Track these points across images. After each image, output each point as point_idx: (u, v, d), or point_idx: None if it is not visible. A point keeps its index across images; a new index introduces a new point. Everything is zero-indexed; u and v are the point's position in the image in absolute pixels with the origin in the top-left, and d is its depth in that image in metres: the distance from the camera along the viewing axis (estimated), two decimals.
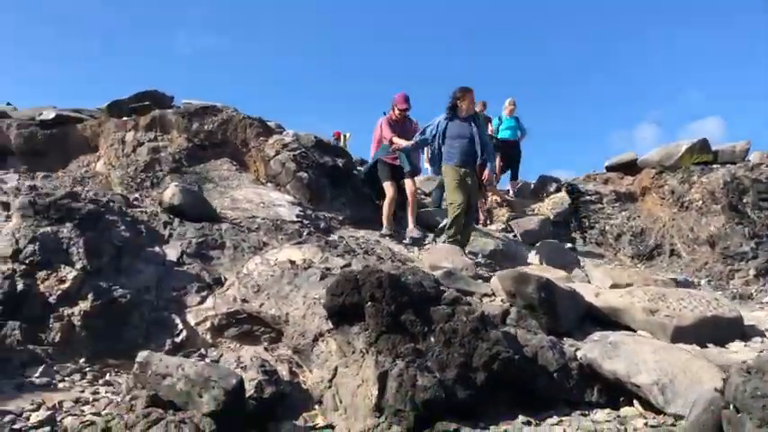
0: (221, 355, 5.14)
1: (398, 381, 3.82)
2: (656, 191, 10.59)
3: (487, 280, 6.21)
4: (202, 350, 5.14)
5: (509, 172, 12.16)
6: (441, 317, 4.16)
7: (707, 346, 4.96)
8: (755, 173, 9.51)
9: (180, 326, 5.28)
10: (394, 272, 4.33)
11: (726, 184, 9.51)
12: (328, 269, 5.33)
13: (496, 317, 4.58)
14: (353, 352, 4.21)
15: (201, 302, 5.53)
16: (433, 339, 4.04)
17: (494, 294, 5.44)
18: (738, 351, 4.89)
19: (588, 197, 10.74)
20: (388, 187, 8.33)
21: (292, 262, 5.59)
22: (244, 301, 5.34)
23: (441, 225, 8.47)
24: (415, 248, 7.86)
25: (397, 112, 8.44)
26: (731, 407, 2.79)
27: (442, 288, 4.49)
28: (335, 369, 4.32)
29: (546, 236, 9.73)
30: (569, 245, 9.83)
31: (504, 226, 10.26)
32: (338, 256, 5.82)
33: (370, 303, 4.12)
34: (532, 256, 8.49)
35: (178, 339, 5.19)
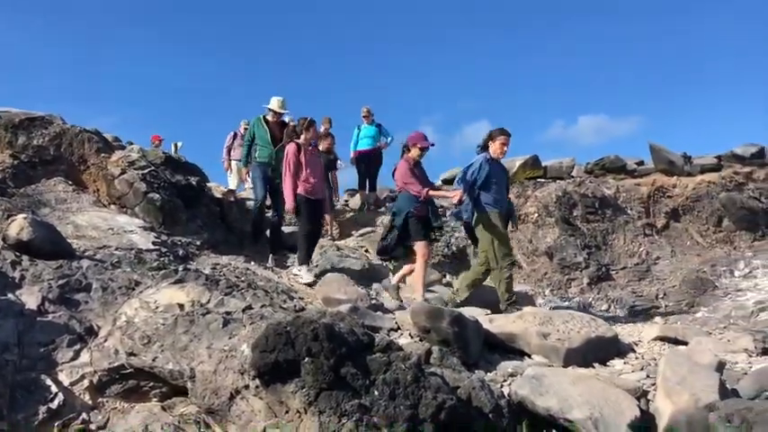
0: (107, 420, 4.50)
1: None
2: None
3: (377, 309, 6.14)
4: (84, 415, 4.45)
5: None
6: (379, 366, 3.97)
7: (593, 366, 5.32)
8: (582, 188, 10.45)
9: (53, 388, 4.52)
10: (328, 321, 4.06)
11: (558, 198, 10.35)
12: (228, 313, 4.88)
13: (421, 357, 4.49)
14: (287, 412, 3.87)
15: (75, 358, 4.79)
16: (376, 393, 3.84)
17: (399, 328, 5.37)
18: (622, 369, 5.31)
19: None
20: (423, 247, 6.96)
21: (180, 306, 5.05)
22: (131, 354, 4.70)
23: (507, 300, 6.80)
24: (283, 272, 7.54)
25: (417, 152, 7.06)
26: None
27: (370, 333, 4.30)
28: (263, 431, 3.96)
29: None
30: None
31: (354, 242, 10.23)
32: (228, 294, 5.37)
33: (307, 359, 3.81)
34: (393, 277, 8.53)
35: (53, 405, 4.43)
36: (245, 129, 12.28)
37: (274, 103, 8.62)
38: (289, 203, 7.22)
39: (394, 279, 7.28)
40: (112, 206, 7.92)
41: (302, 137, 7.41)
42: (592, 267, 9.60)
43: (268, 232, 8.51)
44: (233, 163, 12.23)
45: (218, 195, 9.22)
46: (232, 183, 12.10)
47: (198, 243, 7.79)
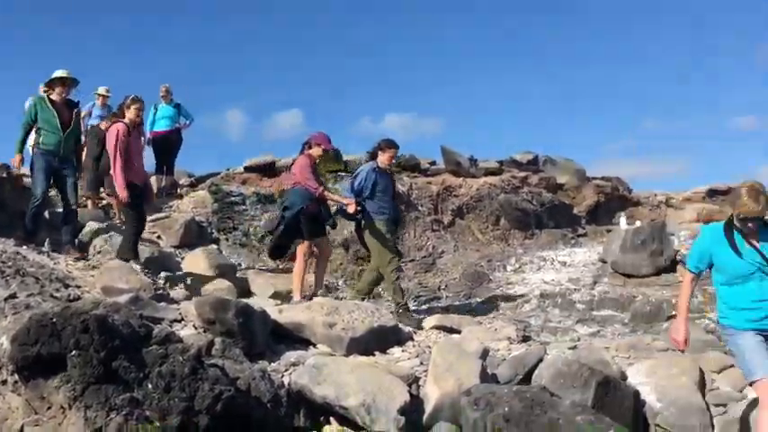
0: None
1: None
2: None
3: (162, 299, 5.95)
4: None
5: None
6: (155, 359, 3.88)
7: (374, 354, 5.61)
8: None
9: None
10: (100, 312, 3.87)
11: None
12: None
13: (202, 348, 4.43)
14: (49, 408, 3.65)
15: None
16: (150, 386, 3.74)
17: (183, 319, 5.24)
18: (400, 357, 5.65)
19: (232, 198, 10.91)
20: (307, 247, 7.01)
21: None
22: None
23: (399, 306, 7.08)
24: (61, 258, 7.01)
25: (320, 152, 7.19)
26: None
27: (149, 324, 4.17)
28: (21, 429, 3.69)
29: (192, 238, 9.62)
30: (214, 246, 9.87)
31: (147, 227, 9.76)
32: None
33: (75, 352, 3.61)
34: (187, 263, 8.31)
35: None
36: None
37: (60, 74, 7.55)
38: (123, 194, 6.69)
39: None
40: None
41: (128, 116, 6.94)
42: None
43: (66, 229, 7.48)
44: None
45: None
46: None
47: None
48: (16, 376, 3.73)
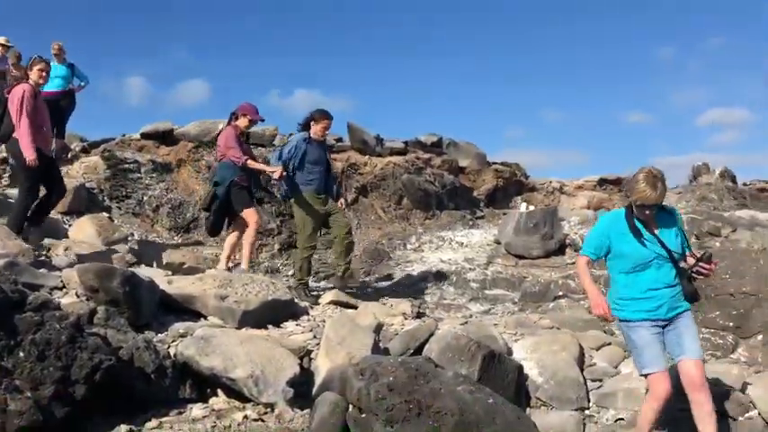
0: None
1: None
2: (193, 164, 10.99)
3: (43, 265, 5.64)
4: None
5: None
6: (28, 326, 3.68)
7: (267, 328, 5.56)
8: None
9: None
10: None
11: None
12: None
13: (83, 316, 4.24)
14: None
15: None
16: (22, 354, 3.55)
17: (65, 287, 4.99)
18: (293, 331, 5.63)
19: (126, 165, 10.46)
20: (253, 214, 6.93)
21: None
22: None
23: (298, 281, 7.10)
24: None
25: (246, 122, 7.13)
26: (353, 408, 3.30)
27: (24, 291, 3.93)
28: None
29: (81, 204, 9.20)
30: (105, 214, 9.45)
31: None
32: None
33: None
34: (75, 230, 7.92)
35: None
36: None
37: None
38: (30, 155, 6.13)
39: (222, 264, 7.09)
40: None
41: (32, 77, 6.50)
42: (284, 234, 9.96)
43: None
44: None
45: None
46: None
47: None
48: None
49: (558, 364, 5.19)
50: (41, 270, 5.12)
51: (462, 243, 10.23)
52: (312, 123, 7.09)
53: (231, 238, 7.25)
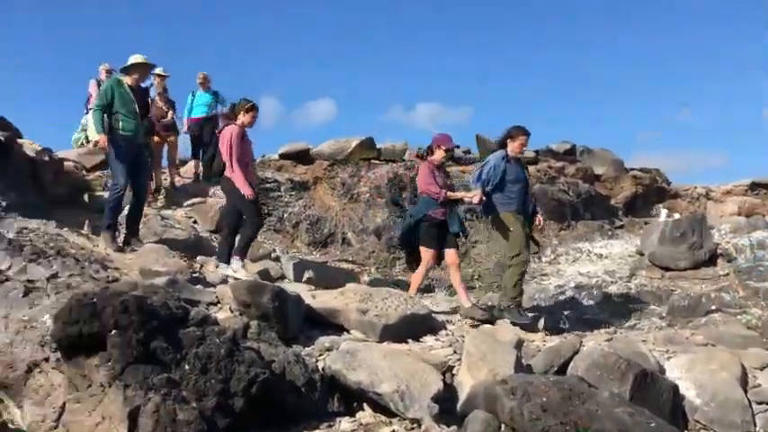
0: None
1: (155, 417, 3.50)
2: (328, 182, 11.34)
3: (198, 282, 6.01)
4: None
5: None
6: (192, 340, 3.91)
7: (407, 342, 5.60)
8: (412, 172, 10.83)
9: None
10: (138, 293, 3.91)
11: (389, 180, 10.67)
12: (31, 282, 4.54)
13: (238, 331, 4.47)
14: (90, 386, 3.71)
15: None
16: (187, 367, 3.78)
17: (219, 302, 5.29)
18: (433, 345, 5.62)
19: (268, 184, 10.97)
20: (426, 253, 6.70)
21: None
22: None
23: (510, 299, 6.59)
24: (102, 242, 7.13)
25: (442, 154, 6.85)
26: (505, 427, 3.25)
27: (186, 306, 4.21)
28: (63, 406, 3.76)
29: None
30: None
31: (182, 213, 9.87)
32: (32, 261, 4.98)
33: (114, 332, 3.66)
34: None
35: None
36: (108, 73, 11.43)
37: (135, 58, 7.11)
38: (248, 191, 6.53)
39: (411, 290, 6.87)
40: None
41: (243, 119, 6.78)
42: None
43: (133, 219, 7.24)
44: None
45: (31, 153, 8.45)
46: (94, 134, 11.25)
47: (3, 204, 7.12)
48: (59, 354, 3.79)
49: (717, 384, 4.84)
50: (197, 286, 5.45)
51: (601, 255, 9.84)
52: (509, 141, 6.77)
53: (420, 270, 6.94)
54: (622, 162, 13.21)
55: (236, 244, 6.80)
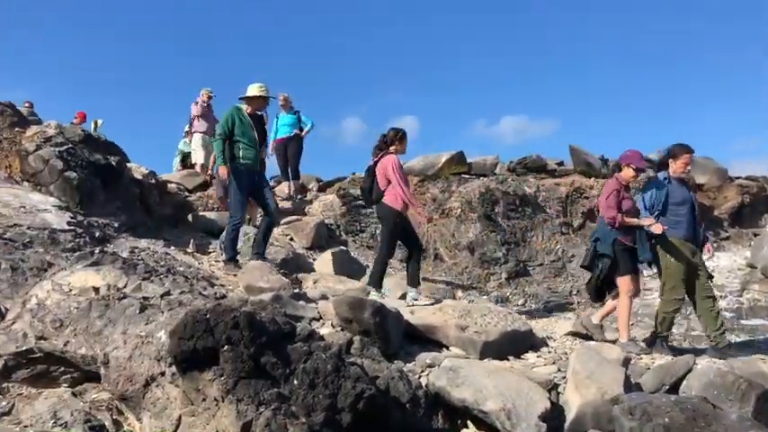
0: (12, 406, 4.33)
1: (266, 431, 3.58)
2: (419, 197, 11.36)
3: (300, 298, 6.12)
4: None
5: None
6: (299, 355, 3.98)
7: (508, 359, 5.50)
8: (504, 185, 10.72)
9: None
10: (248, 309, 4.03)
11: (481, 194, 10.57)
12: (146, 299, 4.76)
13: (342, 346, 4.52)
14: (204, 399, 3.84)
15: None
16: (296, 382, 3.85)
17: (321, 318, 5.38)
18: (535, 363, 5.50)
19: (359, 201, 11.09)
20: (627, 282, 6.14)
21: (96, 289, 4.89)
22: (40, 338, 4.54)
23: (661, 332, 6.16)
24: (204, 258, 7.42)
25: (631, 173, 6.28)
26: None
27: (292, 322, 4.30)
28: (179, 419, 3.91)
29: (322, 240, 9.89)
30: (343, 248, 10.09)
31: (278, 230, 10.12)
32: (146, 279, 5.22)
33: (227, 347, 3.78)
34: (319, 264, 8.53)
35: None
36: (209, 97, 12.09)
37: (256, 90, 7.15)
38: (423, 215, 6.84)
39: (596, 317, 6.52)
40: (26, 183, 7.57)
41: (398, 148, 6.82)
42: (510, 263, 9.88)
43: (256, 234, 7.33)
44: (197, 136, 12.00)
45: (139, 177, 8.93)
46: (199, 157, 11.92)
47: (116, 225, 7.55)
48: (174, 368, 3.95)
49: None
50: (300, 302, 5.56)
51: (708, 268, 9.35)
52: (671, 161, 6.20)
53: (610, 305, 6.50)
54: (726, 171, 12.57)
55: (409, 274, 6.74)
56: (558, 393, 4.76)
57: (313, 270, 8.29)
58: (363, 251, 10.45)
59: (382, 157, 6.78)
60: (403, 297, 6.77)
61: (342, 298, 5.14)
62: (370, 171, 6.90)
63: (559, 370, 5.17)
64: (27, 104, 13.10)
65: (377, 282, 6.68)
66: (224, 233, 7.19)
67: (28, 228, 6.29)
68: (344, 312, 4.97)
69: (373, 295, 6.37)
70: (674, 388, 4.81)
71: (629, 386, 4.64)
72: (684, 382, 4.79)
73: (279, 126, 11.34)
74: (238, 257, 7.09)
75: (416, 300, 6.40)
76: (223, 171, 6.91)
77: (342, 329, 5.08)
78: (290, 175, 11.46)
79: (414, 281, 6.69)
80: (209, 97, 12.12)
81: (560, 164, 12.13)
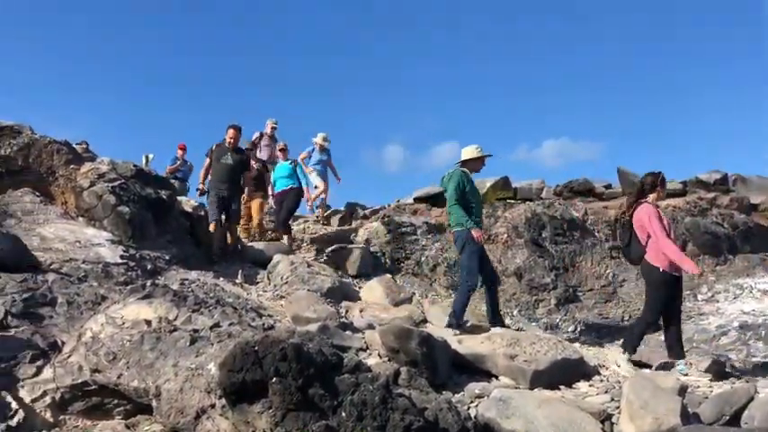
0: None
1: None
2: None
3: (346, 327, 6.14)
4: None
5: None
6: (347, 387, 3.97)
7: (559, 388, 5.38)
8: (551, 210, 10.58)
9: (13, 404, 4.44)
10: (296, 341, 4.05)
11: (527, 219, 10.45)
12: (196, 331, 4.84)
13: (390, 377, 4.49)
14: (254, 431, 3.86)
15: (37, 374, 4.71)
16: (344, 414, 3.84)
17: (368, 348, 5.37)
18: (587, 392, 5.36)
19: (404, 228, 11.11)
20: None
21: (147, 322, 4.99)
22: (95, 370, 4.64)
23: None
24: (252, 288, 7.51)
25: (658, 195, 6.32)
26: None
27: (339, 353, 4.30)
28: None
29: (368, 268, 9.91)
30: (389, 276, 10.08)
31: (322, 257, 10.17)
32: (196, 311, 5.31)
33: (275, 379, 3.80)
34: (365, 292, 8.54)
35: (13, 422, 4.35)
36: (273, 128, 12.48)
37: (478, 153, 7.26)
38: (692, 267, 6.01)
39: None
40: (80, 218, 7.81)
41: (653, 197, 6.28)
42: (559, 288, 9.71)
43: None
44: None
45: (189, 209, 9.14)
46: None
47: (167, 257, 7.71)
48: (224, 401, 3.98)
49: None
50: (347, 332, 5.57)
51: (766, 291, 9.04)
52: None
53: None
54: None
55: (670, 339, 6.23)
56: (612, 424, 4.62)
57: (359, 298, 8.30)
58: (409, 278, 10.42)
59: (636, 207, 6.21)
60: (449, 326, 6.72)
61: (388, 328, 5.13)
62: (622, 224, 6.36)
63: (612, 399, 5.03)
64: (83, 145, 13.64)
65: (632, 346, 6.13)
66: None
67: (83, 262, 6.48)
68: (391, 342, 4.95)
69: (679, 367, 5.84)
70: (735, 418, 4.61)
71: (687, 416, 4.48)
72: (746, 412, 4.58)
73: (276, 178, 10.75)
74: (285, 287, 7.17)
75: (688, 375, 5.74)
76: (480, 234, 6.98)
77: (389, 359, 5.07)
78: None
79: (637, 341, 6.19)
80: (273, 128, 12.53)
81: (608, 186, 11.96)
